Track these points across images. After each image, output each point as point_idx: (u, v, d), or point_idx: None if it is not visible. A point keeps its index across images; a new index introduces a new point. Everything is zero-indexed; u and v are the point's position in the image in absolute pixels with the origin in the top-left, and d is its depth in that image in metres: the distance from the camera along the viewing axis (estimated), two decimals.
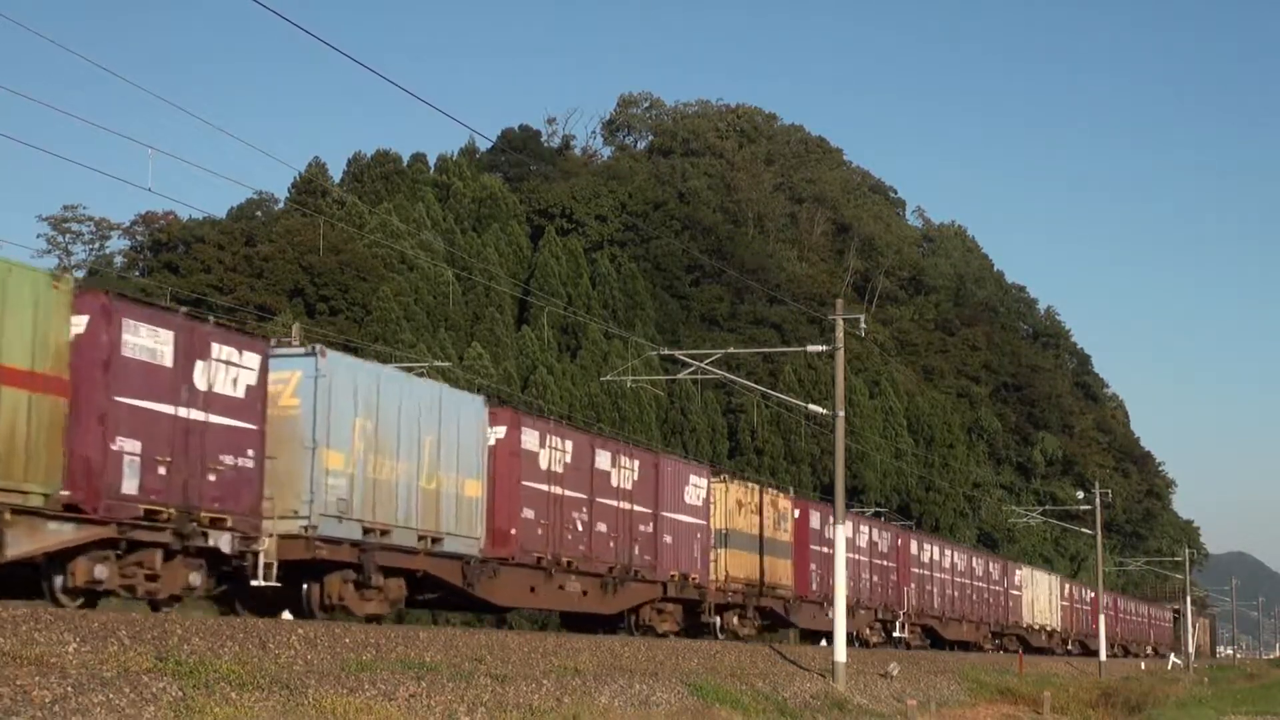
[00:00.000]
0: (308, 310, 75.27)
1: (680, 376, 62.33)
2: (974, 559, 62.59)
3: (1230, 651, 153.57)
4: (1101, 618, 67.97)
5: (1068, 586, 78.42)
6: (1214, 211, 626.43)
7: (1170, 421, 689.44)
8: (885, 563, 50.79)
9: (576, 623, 34.00)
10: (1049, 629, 72.62)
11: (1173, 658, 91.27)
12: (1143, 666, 78.18)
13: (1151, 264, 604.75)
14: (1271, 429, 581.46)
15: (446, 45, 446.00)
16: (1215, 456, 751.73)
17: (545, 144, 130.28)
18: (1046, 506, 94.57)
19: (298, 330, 29.46)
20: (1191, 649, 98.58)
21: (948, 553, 59.25)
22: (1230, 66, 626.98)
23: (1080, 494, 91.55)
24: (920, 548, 55.49)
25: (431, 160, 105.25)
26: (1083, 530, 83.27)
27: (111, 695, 14.80)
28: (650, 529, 33.94)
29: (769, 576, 40.60)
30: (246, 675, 16.85)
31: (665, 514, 34.76)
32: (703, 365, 41.34)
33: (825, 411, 39.61)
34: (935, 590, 56.39)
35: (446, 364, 59.47)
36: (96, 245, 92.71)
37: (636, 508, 33.47)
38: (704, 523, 36.82)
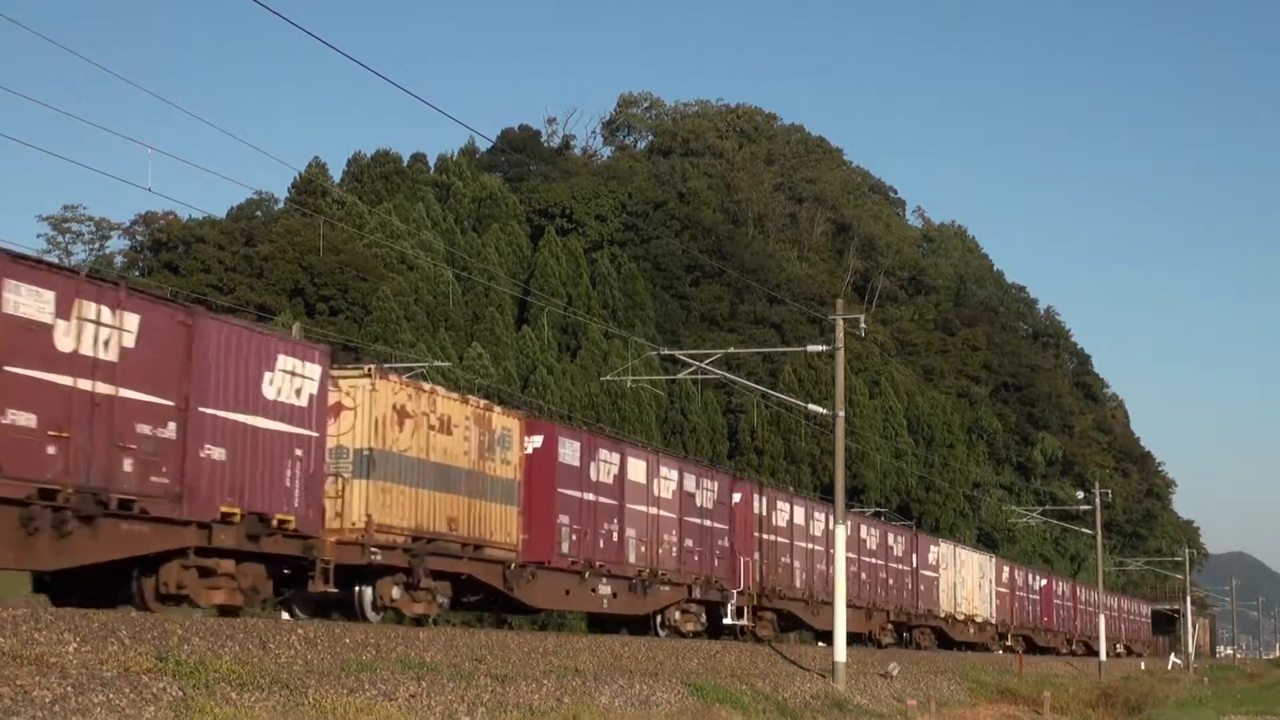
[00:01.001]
0: (308, 310, 75.27)
1: (680, 376, 62.34)
2: (866, 528, 48.86)
3: (1230, 651, 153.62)
4: (1102, 618, 67.98)
5: (1006, 570, 67.21)
6: (1214, 211, 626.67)
7: (1170, 421, 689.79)
8: (709, 523, 37.30)
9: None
10: (979, 620, 60.97)
11: (1173, 658, 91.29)
12: (1142, 666, 78.19)
13: (1151, 264, 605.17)
14: (1271, 429, 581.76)
15: (446, 45, 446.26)
16: (1215, 456, 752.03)
17: (545, 144, 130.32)
18: (1046, 506, 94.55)
19: (298, 330, 29.49)
20: (1191, 649, 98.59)
21: (819, 517, 44.52)
22: (1230, 66, 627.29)
23: (1080, 494, 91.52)
24: (771, 506, 41.23)
25: (431, 160, 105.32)
26: (1083, 530, 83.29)
27: (111, 695, 14.80)
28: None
29: (470, 528, 27.46)
30: (246, 675, 16.85)
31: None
32: (703, 365, 41.33)
33: (825, 411, 39.60)
34: (795, 564, 42.42)
35: (446, 364, 59.49)
36: (96, 245, 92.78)
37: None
38: (310, 434, 23.26)
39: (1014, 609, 66.69)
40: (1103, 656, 64.92)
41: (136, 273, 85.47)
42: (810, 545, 43.92)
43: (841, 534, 35.31)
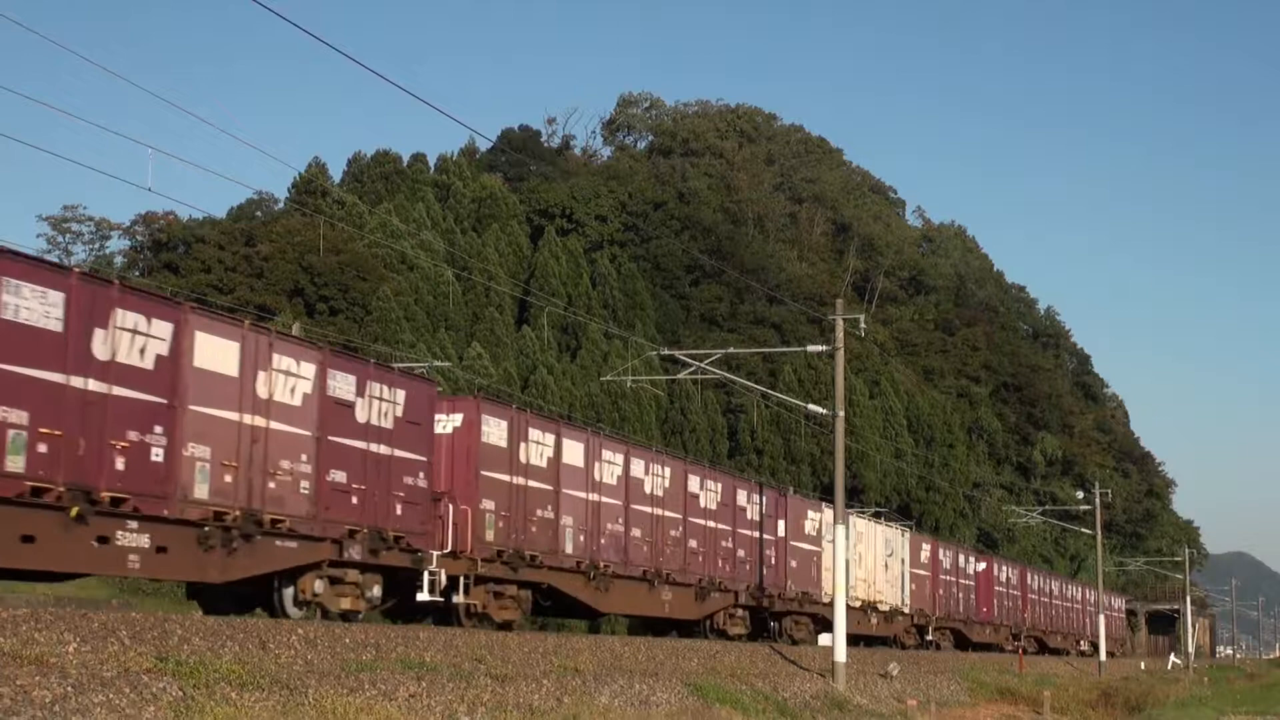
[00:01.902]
0: (308, 310, 75.27)
1: (680, 376, 62.35)
2: (706, 481, 36.97)
3: (1230, 651, 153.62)
4: (1102, 618, 67.92)
5: (928, 548, 55.02)
6: (1214, 211, 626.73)
7: (1170, 421, 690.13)
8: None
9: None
10: (885, 607, 49.27)
11: (1173, 658, 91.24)
12: (1141, 666, 78.16)
13: (1151, 264, 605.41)
14: (1271, 429, 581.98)
15: (446, 45, 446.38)
16: (1215, 456, 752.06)
17: (545, 144, 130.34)
18: (1046, 506, 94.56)
19: (298, 330, 29.48)
20: (1191, 649, 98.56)
21: (639, 464, 33.38)
22: (1230, 66, 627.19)
23: (1080, 494, 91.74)
24: (521, 437, 28.78)
25: (431, 160, 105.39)
26: (1083, 530, 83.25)
27: (111, 695, 14.80)
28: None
29: None
30: (246, 675, 16.85)
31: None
32: (703, 365, 41.36)
33: (825, 411, 39.61)
34: (563, 520, 30.05)
35: (446, 364, 59.53)
36: (96, 245, 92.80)
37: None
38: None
39: (937, 596, 54.92)
40: (1102, 656, 64.93)
41: (136, 273, 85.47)
42: (596, 496, 31.42)
43: (842, 534, 35.31)
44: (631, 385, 71.62)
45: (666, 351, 48.19)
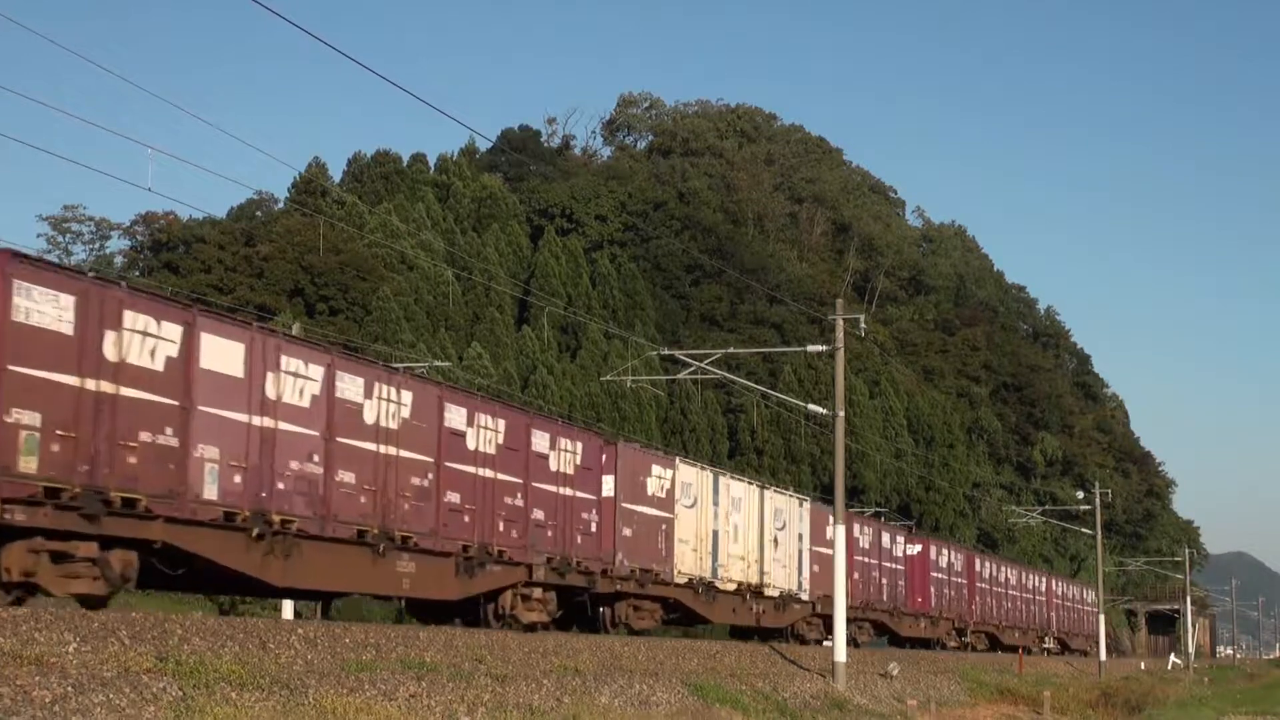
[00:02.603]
0: (308, 310, 75.30)
1: (680, 376, 62.36)
2: (464, 412, 26.70)
3: (1230, 651, 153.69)
4: (1102, 618, 67.81)
5: (810, 518, 43.66)
6: (1214, 211, 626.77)
7: (1170, 421, 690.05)
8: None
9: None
10: (774, 592, 40.31)
11: (1173, 658, 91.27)
12: (1142, 666, 78.11)
13: (1151, 264, 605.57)
14: (1271, 429, 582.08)
15: (446, 45, 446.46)
16: (1215, 456, 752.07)
17: (545, 144, 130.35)
18: (1046, 506, 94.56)
19: (299, 330, 29.48)
20: (1191, 649, 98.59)
21: (353, 382, 23.68)
22: (1230, 66, 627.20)
23: (1080, 494, 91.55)
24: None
25: (431, 160, 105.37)
26: (1083, 530, 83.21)
27: (111, 695, 14.80)
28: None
29: None
30: (247, 675, 16.85)
31: None
32: (703, 365, 41.37)
33: (825, 411, 39.62)
34: (234, 460, 21.16)
35: (446, 364, 59.53)
36: (96, 245, 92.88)
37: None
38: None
39: (852, 580, 43.60)
40: (1103, 656, 64.86)
41: (136, 273, 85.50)
42: (268, 421, 22.29)
43: (841, 534, 35.31)
44: (631, 385, 71.62)
45: (666, 351, 48.23)
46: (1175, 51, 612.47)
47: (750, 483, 40.79)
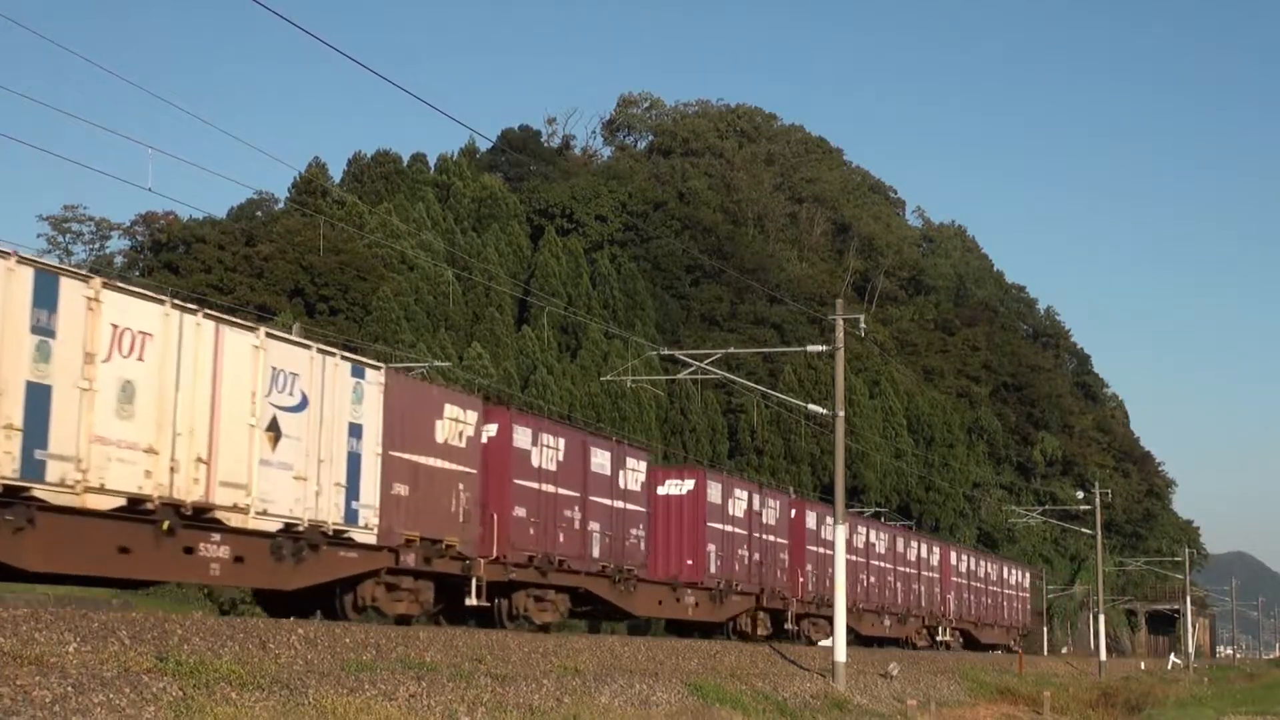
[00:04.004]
0: (308, 310, 75.29)
1: (680, 376, 62.35)
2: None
3: (1230, 651, 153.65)
4: (1103, 618, 67.74)
5: (633, 462, 33.31)
6: (1214, 211, 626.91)
7: (1170, 421, 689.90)
8: None
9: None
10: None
11: (1172, 658, 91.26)
12: (1141, 666, 78.09)
13: (1151, 264, 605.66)
14: (1271, 429, 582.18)
15: (446, 45, 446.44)
16: (1215, 456, 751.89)
17: (545, 144, 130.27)
18: (1046, 506, 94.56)
19: (299, 330, 29.45)
20: (1191, 649, 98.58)
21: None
22: (1230, 66, 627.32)
23: (1080, 494, 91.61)
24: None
25: (431, 160, 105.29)
26: (1083, 530, 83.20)
27: (111, 695, 14.80)
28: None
29: None
30: (246, 675, 16.86)
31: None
32: (703, 365, 41.37)
33: (825, 411, 39.62)
34: None
35: (446, 364, 59.53)
36: (96, 245, 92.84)
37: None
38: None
39: (653, 543, 34.24)
40: (1102, 656, 64.83)
41: (136, 273, 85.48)
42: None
43: (841, 535, 35.29)
44: (631, 385, 71.61)
45: (666, 351, 48.25)
46: (1175, 51, 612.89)
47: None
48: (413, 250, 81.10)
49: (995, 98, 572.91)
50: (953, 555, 59.33)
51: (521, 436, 28.67)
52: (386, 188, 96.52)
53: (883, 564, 51.14)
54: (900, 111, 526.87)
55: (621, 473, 32.86)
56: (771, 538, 41.16)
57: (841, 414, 35.91)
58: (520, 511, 28.34)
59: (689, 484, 36.72)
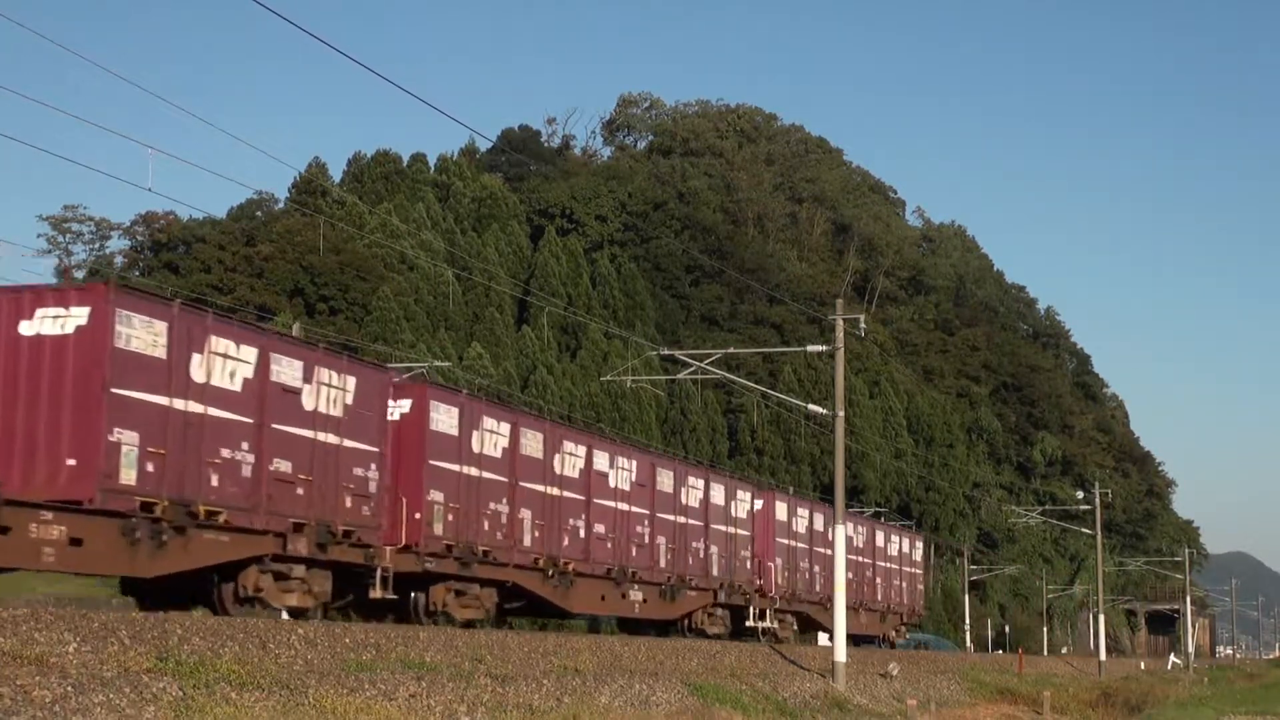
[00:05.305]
0: (308, 310, 75.30)
1: (680, 376, 62.34)
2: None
3: (1230, 651, 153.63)
4: (1102, 617, 67.70)
5: (330, 373, 23.72)
6: (1214, 211, 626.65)
7: (1170, 421, 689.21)
8: None
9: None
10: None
11: (1172, 658, 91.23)
12: (1141, 666, 78.09)
13: (1151, 263, 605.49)
14: (1271, 429, 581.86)
15: (446, 45, 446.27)
16: (1215, 456, 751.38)
17: (545, 144, 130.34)
18: (1046, 506, 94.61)
19: (298, 330, 29.48)
20: (1191, 649, 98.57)
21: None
22: (1230, 66, 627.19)
23: (1080, 494, 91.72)
24: None
25: (431, 160, 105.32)
26: (1083, 530, 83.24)
27: (111, 695, 14.80)
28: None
29: None
30: (246, 675, 16.86)
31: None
32: (703, 365, 41.35)
33: (825, 411, 39.60)
34: None
35: (446, 364, 59.54)
36: (96, 245, 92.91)
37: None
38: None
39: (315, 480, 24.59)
40: (1102, 656, 64.84)
41: (136, 273, 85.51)
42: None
43: (842, 535, 35.30)
44: (631, 385, 71.60)
45: (666, 351, 48.20)
46: (1176, 52, 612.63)
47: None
48: (413, 250, 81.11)
49: (995, 98, 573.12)
50: (779, 507, 43.49)
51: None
52: (386, 188, 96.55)
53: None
54: (900, 111, 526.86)
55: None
56: (733, 529, 38.64)
57: (841, 414, 35.91)
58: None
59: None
